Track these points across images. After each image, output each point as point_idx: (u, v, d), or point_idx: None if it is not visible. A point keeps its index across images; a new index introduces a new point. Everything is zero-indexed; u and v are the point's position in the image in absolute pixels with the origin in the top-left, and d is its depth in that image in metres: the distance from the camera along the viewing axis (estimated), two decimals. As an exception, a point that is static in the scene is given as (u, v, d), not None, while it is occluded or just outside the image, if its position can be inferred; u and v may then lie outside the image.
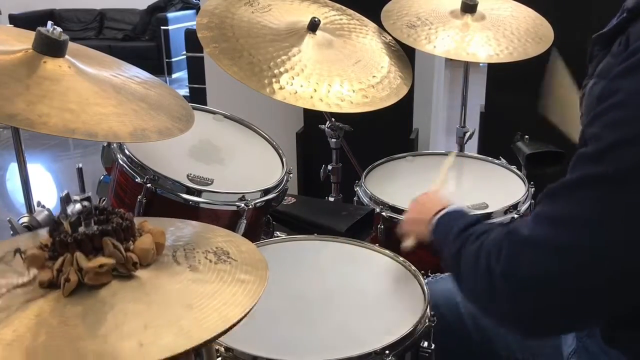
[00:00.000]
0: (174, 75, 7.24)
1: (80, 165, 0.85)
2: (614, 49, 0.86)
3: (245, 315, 0.69)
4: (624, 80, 0.74)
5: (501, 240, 0.81)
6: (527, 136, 1.81)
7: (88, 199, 0.73)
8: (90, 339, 0.63)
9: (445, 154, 1.94)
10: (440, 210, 1.06)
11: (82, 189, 0.76)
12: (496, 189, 1.67)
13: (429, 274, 1.31)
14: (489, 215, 1.51)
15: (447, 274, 1.30)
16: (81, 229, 0.72)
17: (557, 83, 1.46)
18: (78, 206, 0.72)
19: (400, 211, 1.54)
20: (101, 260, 0.71)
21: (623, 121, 0.72)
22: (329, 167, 1.87)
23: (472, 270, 0.85)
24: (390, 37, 1.75)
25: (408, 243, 1.16)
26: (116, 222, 0.74)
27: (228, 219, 1.38)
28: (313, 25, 1.57)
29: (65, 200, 0.72)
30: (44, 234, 0.75)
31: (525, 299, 0.76)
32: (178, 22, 7.17)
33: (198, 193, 1.34)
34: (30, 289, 0.71)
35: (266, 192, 1.43)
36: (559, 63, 1.48)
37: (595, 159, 0.73)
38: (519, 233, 0.79)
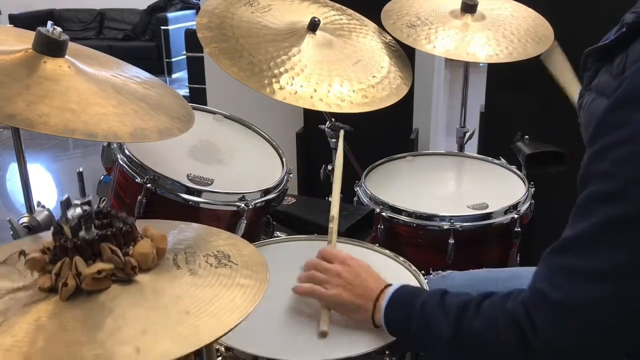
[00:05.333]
0: (174, 75, 7.24)
1: (81, 169, 0.85)
2: (614, 68, 0.84)
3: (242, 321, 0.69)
4: (634, 111, 0.71)
5: (527, 309, 0.76)
6: (527, 136, 1.80)
7: (88, 203, 0.73)
8: (88, 344, 0.64)
9: (446, 154, 1.94)
10: (383, 290, 0.98)
11: (83, 193, 0.76)
12: (496, 189, 1.67)
13: (431, 272, 1.31)
14: (489, 215, 1.51)
15: (446, 272, 1.30)
16: (82, 234, 0.72)
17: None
18: (78, 210, 0.72)
19: (400, 211, 1.54)
20: (99, 266, 0.71)
21: (638, 155, 0.70)
22: (329, 167, 1.87)
23: (493, 352, 0.80)
24: (390, 37, 1.75)
25: (325, 328, 1.01)
26: (116, 227, 0.74)
27: (228, 219, 1.38)
28: (313, 25, 1.57)
29: (66, 205, 0.72)
30: (48, 237, 0.75)
31: None
32: (178, 22, 7.18)
33: (198, 193, 1.34)
34: (31, 293, 0.72)
35: (266, 192, 1.43)
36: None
37: (617, 199, 0.71)
38: (550, 297, 0.74)
